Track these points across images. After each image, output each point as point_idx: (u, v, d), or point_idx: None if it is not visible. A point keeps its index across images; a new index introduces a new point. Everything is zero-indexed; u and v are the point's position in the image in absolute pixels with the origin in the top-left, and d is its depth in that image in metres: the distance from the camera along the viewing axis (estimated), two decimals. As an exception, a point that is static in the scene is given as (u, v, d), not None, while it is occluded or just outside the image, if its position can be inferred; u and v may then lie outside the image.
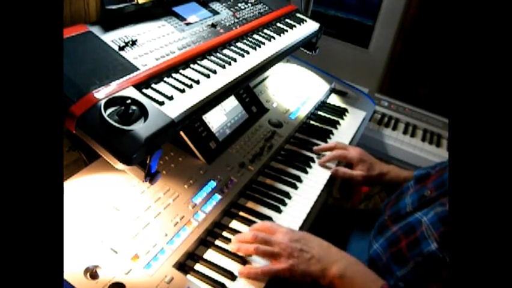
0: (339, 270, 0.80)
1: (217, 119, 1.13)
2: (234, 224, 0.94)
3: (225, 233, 0.91)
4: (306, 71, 1.63)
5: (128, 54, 0.88)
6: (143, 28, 0.98)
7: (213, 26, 1.11)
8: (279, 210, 0.99)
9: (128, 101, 0.74)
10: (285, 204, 1.02)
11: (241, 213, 0.97)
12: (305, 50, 1.50)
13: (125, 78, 0.81)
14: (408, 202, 0.95)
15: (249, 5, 1.32)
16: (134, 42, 0.91)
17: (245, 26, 1.18)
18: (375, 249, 0.93)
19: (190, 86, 0.89)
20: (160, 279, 0.75)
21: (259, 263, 0.85)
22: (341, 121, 1.43)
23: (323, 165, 1.19)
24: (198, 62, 0.98)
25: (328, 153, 1.21)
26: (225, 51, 1.07)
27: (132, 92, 0.79)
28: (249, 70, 1.03)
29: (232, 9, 1.24)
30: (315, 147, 1.23)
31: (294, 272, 0.80)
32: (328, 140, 1.32)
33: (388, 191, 1.24)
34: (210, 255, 0.86)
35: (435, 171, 0.99)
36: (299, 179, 1.11)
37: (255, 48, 1.12)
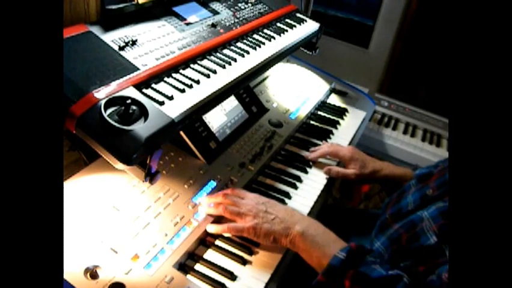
0: (301, 228, 0.84)
1: (217, 119, 1.13)
2: (234, 224, 0.94)
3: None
4: (306, 71, 1.63)
5: (128, 54, 0.88)
6: (143, 28, 0.98)
7: (213, 26, 1.11)
8: (279, 210, 0.99)
9: (128, 101, 0.74)
10: (285, 204, 1.02)
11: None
12: (305, 50, 1.50)
13: (125, 78, 0.81)
14: (410, 201, 0.95)
15: (249, 5, 1.32)
16: (134, 42, 0.91)
17: (245, 26, 1.18)
18: (377, 248, 0.93)
19: (190, 86, 0.89)
20: (160, 279, 0.75)
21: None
22: (341, 121, 1.43)
23: (315, 160, 1.19)
24: (198, 62, 0.98)
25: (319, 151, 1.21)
26: (225, 51, 1.07)
27: (132, 92, 0.79)
28: (249, 70, 1.03)
29: (232, 9, 1.24)
30: (305, 154, 1.20)
31: (257, 230, 0.85)
32: (328, 140, 1.32)
33: (387, 190, 1.24)
34: (210, 255, 0.86)
35: (438, 171, 0.99)
36: (299, 179, 1.11)
37: (255, 48, 1.12)
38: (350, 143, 1.35)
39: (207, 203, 0.91)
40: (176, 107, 0.82)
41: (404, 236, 0.86)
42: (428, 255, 0.78)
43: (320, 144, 1.27)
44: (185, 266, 0.82)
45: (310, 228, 0.85)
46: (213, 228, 0.87)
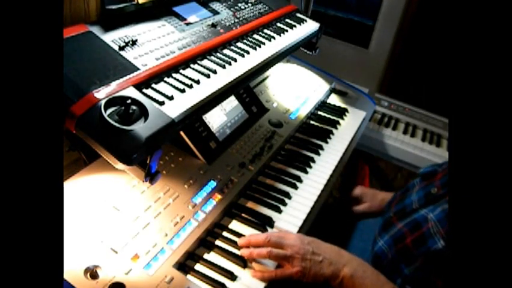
0: (350, 270, 0.82)
1: (217, 119, 1.13)
2: (234, 224, 0.94)
3: (225, 233, 0.91)
4: (306, 71, 1.63)
5: (129, 54, 0.88)
6: (143, 28, 0.98)
7: (213, 25, 1.11)
8: (279, 210, 0.99)
9: (129, 101, 0.74)
10: (285, 204, 1.02)
11: (241, 213, 0.96)
12: (305, 50, 1.50)
13: (125, 78, 0.81)
14: (414, 199, 0.95)
15: (249, 5, 1.32)
16: (134, 42, 0.91)
17: (245, 26, 1.18)
18: (380, 246, 0.93)
19: (191, 86, 0.89)
20: (160, 279, 0.75)
21: (264, 264, 0.85)
22: (341, 121, 1.43)
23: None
24: (198, 62, 0.98)
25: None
26: (225, 51, 1.07)
27: (132, 92, 0.79)
28: (249, 70, 1.03)
29: (232, 9, 1.24)
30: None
31: (306, 274, 0.82)
32: (328, 140, 1.31)
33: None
34: (210, 255, 0.86)
35: (442, 169, 0.98)
36: (299, 179, 1.11)
37: (255, 48, 1.12)
38: (350, 143, 1.34)
39: (246, 243, 0.87)
40: (176, 107, 0.81)
41: (408, 236, 0.86)
42: (436, 260, 0.78)
43: (320, 145, 1.26)
44: (185, 266, 0.82)
45: (359, 271, 0.82)
46: (260, 276, 0.82)
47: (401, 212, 0.95)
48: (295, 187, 1.08)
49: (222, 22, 1.15)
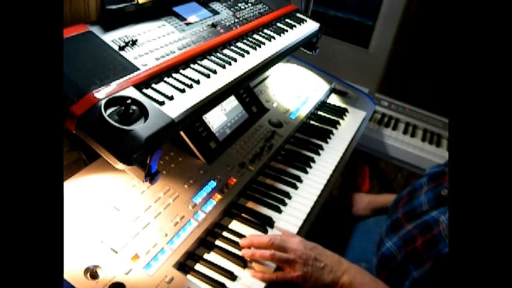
0: (349, 278, 0.83)
1: (217, 119, 1.13)
2: (234, 224, 0.94)
3: (225, 233, 0.91)
4: (306, 71, 1.63)
5: (129, 54, 0.88)
6: (143, 28, 0.98)
7: (213, 25, 1.11)
8: (279, 210, 0.99)
9: (129, 101, 0.74)
10: (285, 204, 1.02)
11: (241, 213, 0.96)
12: (305, 50, 1.50)
13: (125, 78, 0.81)
14: (423, 201, 0.94)
15: (249, 5, 1.31)
16: (134, 42, 0.91)
17: (245, 26, 1.18)
18: (388, 247, 0.92)
19: (191, 86, 0.89)
20: (160, 279, 0.75)
21: (264, 265, 0.85)
22: (341, 121, 1.43)
23: None
24: (198, 62, 0.98)
25: None
26: (225, 51, 1.07)
27: (132, 92, 0.79)
28: (249, 70, 1.03)
29: (232, 9, 1.24)
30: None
31: (307, 280, 0.82)
32: (328, 140, 1.31)
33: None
34: (210, 255, 0.86)
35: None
36: (299, 179, 1.11)
37: (255, 48, 1.12)
38: (350, 143, 1.35)
39: (248, 243, 0.86)
40: (176, 107, 0.81)
41: (419, 238, 0.85)
42: (447, 264, 0.78)
43: (320, 145, 1.26)
44: (185, 266, 0.82)
45: (357, 278, 0.83)
46: (260, 277, 0.82)
47: (410, 213, 0.94)
48: (295, 187, 1.08)
49: (222, 22, 1.15)
